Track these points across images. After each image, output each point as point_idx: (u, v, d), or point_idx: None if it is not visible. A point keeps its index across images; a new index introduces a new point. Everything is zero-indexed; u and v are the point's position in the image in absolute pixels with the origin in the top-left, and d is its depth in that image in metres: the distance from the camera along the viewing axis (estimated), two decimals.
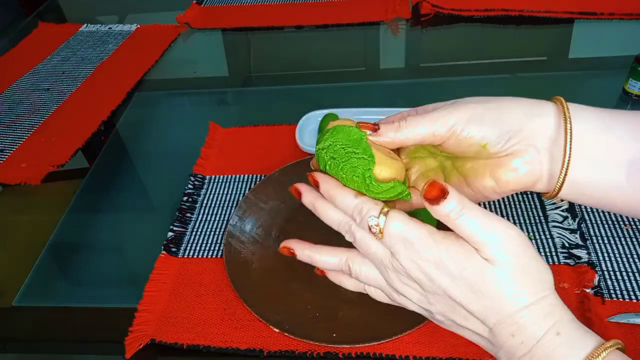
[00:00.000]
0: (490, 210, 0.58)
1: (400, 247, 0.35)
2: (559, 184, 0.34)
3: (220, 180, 0.66)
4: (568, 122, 0.33)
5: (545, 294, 0.33)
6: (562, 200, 0.58)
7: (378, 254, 0.37)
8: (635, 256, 0.52)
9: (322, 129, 0.69)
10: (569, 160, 0.33)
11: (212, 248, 0.58)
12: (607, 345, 0.31)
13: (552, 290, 0.33)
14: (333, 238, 0.43)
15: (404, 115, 0.37)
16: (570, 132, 0.33)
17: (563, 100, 0.34)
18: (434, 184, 0.33)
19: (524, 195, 0.59)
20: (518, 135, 0.34)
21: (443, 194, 0.32)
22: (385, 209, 0.35)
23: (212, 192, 0.65)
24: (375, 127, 0.36)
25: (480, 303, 0.33)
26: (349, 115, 0.71)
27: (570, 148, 0.33)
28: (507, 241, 0.32)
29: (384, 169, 0.35)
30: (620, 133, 0.33)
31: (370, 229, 0.35)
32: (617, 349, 0.31)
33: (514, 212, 0.58)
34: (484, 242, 0.32)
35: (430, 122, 0.35)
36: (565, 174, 0.34)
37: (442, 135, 0.35)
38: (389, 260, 0.36)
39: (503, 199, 0.59)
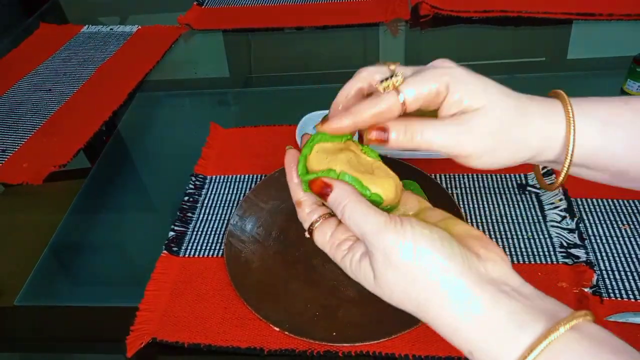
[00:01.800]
0: (490, 210, 0.59)
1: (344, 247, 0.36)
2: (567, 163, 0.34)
3: (221, 180, 0.67)
4: (571, 122, 0.33)
5: (432, 289, 0.30)
6: (560, 200, 0.58)
7: None
8: (633, 255, 0.52)
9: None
10: (570, 161, 0.34)
11: (213, 247, 0.58)
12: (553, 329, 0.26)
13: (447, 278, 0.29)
14: None
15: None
16: (573, 145, 0.34)
17: (569, 105, 0.34)
18: (317, 180, 0.34)
19: (523, 196, 0.60)
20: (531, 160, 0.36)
21: (328, 188, 0.34)
22: (316, 224, 0.36)
23: (213, 192, 0.65)
24: (384, 137, 0.34)
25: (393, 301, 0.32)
26: None
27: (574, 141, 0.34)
28: (378, 250, 0.31)
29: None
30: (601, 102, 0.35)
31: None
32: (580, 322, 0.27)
33: (513, 212, 0.58)
34: (365, 244, 0.32)
35: (444, 145, 0.34)
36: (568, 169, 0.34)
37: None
38: None
39: (501, 198, 0.60)
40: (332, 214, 0.36)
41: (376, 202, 0.34)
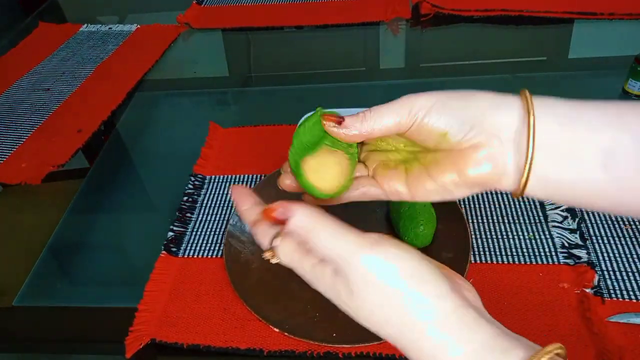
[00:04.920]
0: (492, 210, 0.58)
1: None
2: (523, 179, 0.31)
3: (221, 180, 0.67)
4: (531, 114, 0.31)
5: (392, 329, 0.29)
6: (553, 202, 0.58)
7: None
8: (635, 256, 0.52)
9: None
10: (532, 154, 0.31)
11: (212, 248, 0.58)
12: None
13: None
14: None
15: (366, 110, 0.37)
16: (534, 125, 0.31)
17: (528, 93, 0.32)
18: (268, 210, 0.33)
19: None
20: (480, 126, 0.32)
21: (285, 213, 0.32)
22: (278, 239, 0.33)
23: (212, 192, 0.65)
24: (339, 120, 0.35)
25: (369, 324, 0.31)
26: (348, 115, 0.71)
27: (534, 141, 0.31)
28: (354, 270, 0.30)
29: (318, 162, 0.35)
30: (592, 122, 0.30)
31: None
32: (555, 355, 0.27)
33: (514, 212, 0.58)
34: (339, 266, 0.30)
35: (394, 110, 0.34)
36: (530, 168, 0.31)
37: (405, 123, 0.34)
38: None
39: (502, 198, 0.60)
40: None
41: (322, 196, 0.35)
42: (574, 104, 0.32)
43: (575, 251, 0.53)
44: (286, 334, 0.48)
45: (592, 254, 0.53)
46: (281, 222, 0.32)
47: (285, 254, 0.32)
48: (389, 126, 0.34)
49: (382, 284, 0.29)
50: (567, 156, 0.31)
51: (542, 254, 0.53)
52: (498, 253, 0.54)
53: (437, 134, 0.33)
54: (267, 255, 0.33)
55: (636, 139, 0.29)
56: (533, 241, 0.55)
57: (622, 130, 0.30)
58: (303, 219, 0.32)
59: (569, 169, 0.31)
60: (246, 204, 0.36)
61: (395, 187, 0.35)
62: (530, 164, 0.31)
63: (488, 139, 0.32)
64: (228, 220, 0.60)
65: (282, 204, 0.32)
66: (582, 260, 0.52)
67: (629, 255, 0.52)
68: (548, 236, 0.55)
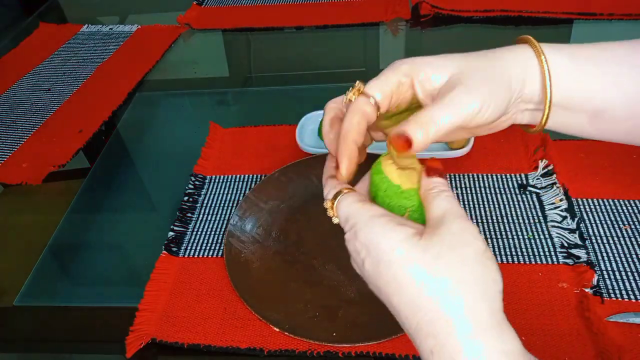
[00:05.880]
0: (491, 210, 0.59)
1: (346, 228, 0.34)
2: (543, 119, 0.36)
3: (221, 180, 0.67)
4: (546, 69, 0.35)
5: (482, 316, 0.28)
6: (561, 200, 0.58)
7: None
8: (634, 256, 0.52)
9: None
10: (550, 103, 0.35)
11: (212, 248, 0.58)
12: None
13: (493, 318, 0.28)
14: (332, 239, 0.43)
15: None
16: (549, 77, 0.35)
17: (534, 42, 0.36)
18: (434, 161, 0.34)
19: (523, 196, 0.60)
20: (514, 106, 0.36)
21: (440, 169, 0.33)
22: (344, 191, 0.35)
23: (213, 192, 0.65)
24: (407, 143, 0.33)
25: (388, 292, 0.30)
26: None
27: (551, 93, 0.35)
28: (457, 225, 0.30)
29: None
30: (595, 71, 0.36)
31: (327, 209, 0.36)
32: None
33: (513, 212, 0.58)
34: (435, 221, 0.31)
35: (454, 114, 0.33)
36: (548, 116, 0.36)
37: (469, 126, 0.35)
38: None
39: (501, 198, 0.60)
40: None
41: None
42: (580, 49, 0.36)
43: (575, 251, 0.53)
44: (286, 333, 0.48)
45: (591, 254, 0.53)
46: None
47: (348, 202, 0.34)
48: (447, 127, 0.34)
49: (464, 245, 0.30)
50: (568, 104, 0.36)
51: (542, 253, 0.53)
52: (497, 253, 0.54)
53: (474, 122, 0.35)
54: (327, 205, 0.35)
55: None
56: (532, 241, 0.55)
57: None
58: (443, 181, 0.33)
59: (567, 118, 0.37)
60: (333, 162, 0.37)
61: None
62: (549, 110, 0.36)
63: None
64: (228, 220, 0.60)
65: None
66: (581, 260, 0.52)
67: (628, 255, 0.52)
68: (547, 236, 0.55)
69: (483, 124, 0.35)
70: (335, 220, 0.35)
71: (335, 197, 0.35)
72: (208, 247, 0.58)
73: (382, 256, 0.30)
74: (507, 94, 0.35)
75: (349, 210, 0.33)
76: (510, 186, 0.61)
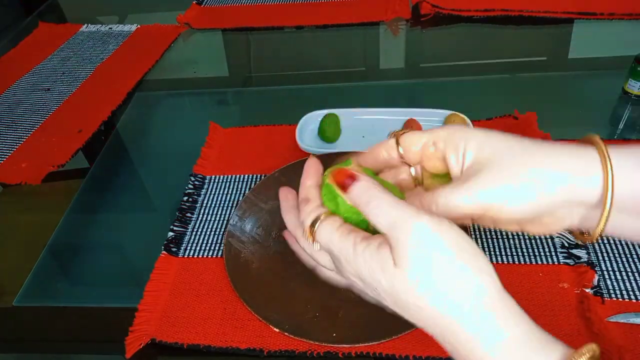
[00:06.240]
0: None
1: (332, 255, 0.33)
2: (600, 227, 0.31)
3: (221, 180, 0.67)
4: (610, 178, 0.30)
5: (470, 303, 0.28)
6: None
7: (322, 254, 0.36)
8: (634, 256, 0.52)
9: (323, 129, 0.69)
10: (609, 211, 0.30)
11: (212, 248, 0.58)
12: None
13: (485, 295, 0.28)
14: None
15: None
16: (612, 189, 0.30)
17: (605, 151, 0.30)
18: (341, 170, 0.33)
19: None
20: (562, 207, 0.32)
21: (352, 179, 0.32)
22: (322, 217, 0.33)
23: (212, 192, 0.65)
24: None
25: (408, 314, 0.30)
26: (348, 115, 0.71)
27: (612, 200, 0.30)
28: (408, 235, 0.29)
29: None
30: None
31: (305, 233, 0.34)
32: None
33: None
34: (388, 237, 0.30)
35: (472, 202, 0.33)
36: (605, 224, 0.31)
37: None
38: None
39: None
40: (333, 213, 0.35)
41: None
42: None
43: (575, 251, 0.53)
44: (286, 334, 0.48)
45: (592, 254, 0.53)
46: (343, 186, 0.32)
47: (327, 232, 0.32)
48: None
49: (429, 251, 0.29)
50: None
51: (542, 254, 0.53)
52: (498, 253, 0.54)
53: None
54: (305, 231, 0.34)
55: None
56: (533, 241, 0.55)
57: None
58: (368, 184, 0.32)
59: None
60: (311, 180, 0.36)
61: None
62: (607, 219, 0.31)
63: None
64: (228, 220, 0.60)
65: (353, 168, 0.33)
66: (582, 260, 0.52)
67: (628, 255, 0.52)
68: (548, 236, 0.55)
69: (522, 219, 0.33)
70: (316, 247, 0.34)
71: (313, 224, 0.33)
72: (208, 248, 0.58)
73: (376, 285, 0.31)
74: (546, 193, 0.31)
75: (330, 239, 0.32)
76: None
